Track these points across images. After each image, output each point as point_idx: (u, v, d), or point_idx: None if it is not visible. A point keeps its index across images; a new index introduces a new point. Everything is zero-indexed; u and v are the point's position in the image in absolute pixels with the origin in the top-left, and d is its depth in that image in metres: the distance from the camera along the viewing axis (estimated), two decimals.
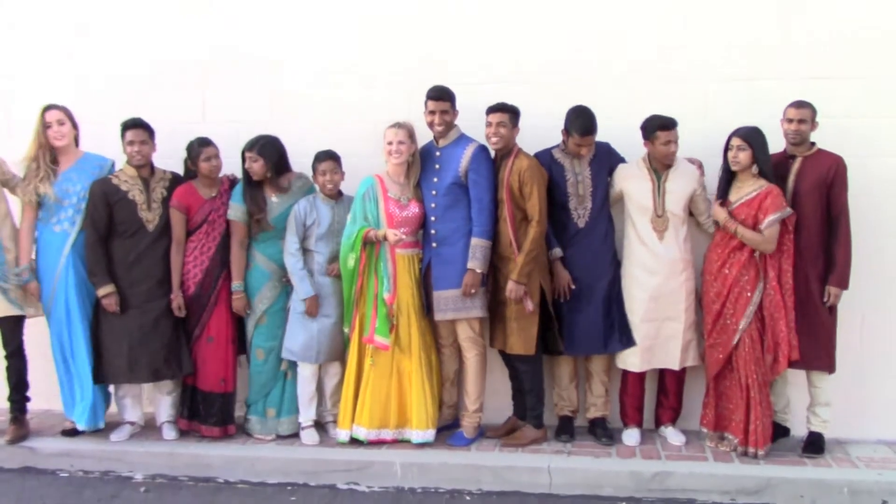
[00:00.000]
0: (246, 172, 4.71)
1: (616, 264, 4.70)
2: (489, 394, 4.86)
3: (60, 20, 5.36)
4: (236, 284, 4.74)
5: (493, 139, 4.54)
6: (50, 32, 5.38)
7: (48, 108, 4.71)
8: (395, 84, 5.04)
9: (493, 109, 4.54)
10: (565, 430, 4.79)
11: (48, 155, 4.71)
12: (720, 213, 4.41)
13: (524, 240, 4.51)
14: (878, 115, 4.68)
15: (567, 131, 4.59)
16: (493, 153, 4.65)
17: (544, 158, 4.67)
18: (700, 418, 4.68)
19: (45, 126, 4.68)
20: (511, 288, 4.47)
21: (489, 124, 4.54)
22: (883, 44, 4.67)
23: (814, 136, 4.48)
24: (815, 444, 4.54)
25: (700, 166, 4.64)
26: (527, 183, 4.48)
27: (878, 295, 4.73)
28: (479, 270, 4.50)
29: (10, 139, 4.94)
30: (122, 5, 5.32)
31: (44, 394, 4.96)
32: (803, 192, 4.41)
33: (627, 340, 4.64)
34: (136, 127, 4.73)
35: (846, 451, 4.61)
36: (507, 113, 4.52)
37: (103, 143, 4.88)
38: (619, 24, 4.90)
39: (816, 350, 4.44)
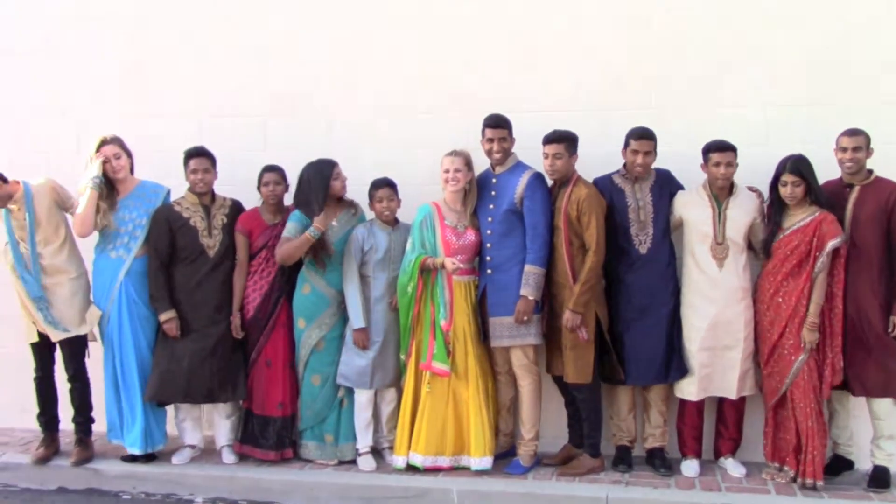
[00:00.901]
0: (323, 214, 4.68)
1: (678, 292, 4.67)
2: (545, 422, 4.84)
3: (130, 55, 5.52)
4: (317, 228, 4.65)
5: (550, 171, 4.56)
6: (120, 65, 5.54)
7: (103, 142, 4.79)
8: (452, 112, 5.08)
9: (548, 140, 4.56)
10: (623, 459, 4.74)
11: (106, 187, 4.78)
12: (810, 335, 4.34)
13: (580, 268, 4.51)
14: None
15: (625, 146, 4.60)
16: (549, 181, 4.67)
17: (604, 184, 4.67)
18: (763, 448, 4.61)
19: (102, 161, 4.76)
20: (568, 317, 4.46)
21: (546, 156, 4.56)
22: None
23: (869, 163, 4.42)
24: (879, 479, 4.43)
25: (760, 195, 4.60)
26: (585, 212, 4.48)
27: None
28: (531, 297, 4.50)
29: (78, 157, 5.00)
30: (182, 41, 5.48)
31: None
32: (863, 220, 4.35)
33: (686, 370, 4.59)
34: (200, 155, 4.84)
35: None
36: (563, 143, 4.53)
37: (168, 172, 5.00)
38: (679, 53, 4.93)
39: (880, 379, 4.35)
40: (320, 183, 4.67)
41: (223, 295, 4.85)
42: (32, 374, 4.94)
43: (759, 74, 4.82)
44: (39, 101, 5.59)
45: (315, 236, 4.60)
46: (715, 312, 4.51)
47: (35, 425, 5.03)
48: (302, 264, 4.82)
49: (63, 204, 4.85)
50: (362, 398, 4.82)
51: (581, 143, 4.62)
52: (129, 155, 4.88)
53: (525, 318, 4.51)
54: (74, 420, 4.98)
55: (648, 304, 4.60)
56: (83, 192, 4.73)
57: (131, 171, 4.92)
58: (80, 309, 4.85)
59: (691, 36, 4.91)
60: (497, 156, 4.63)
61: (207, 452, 5.06)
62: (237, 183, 5.01)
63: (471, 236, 4.68)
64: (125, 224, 4.83)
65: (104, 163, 4.75)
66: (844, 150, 4.36)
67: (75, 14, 5.56)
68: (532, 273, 4.50)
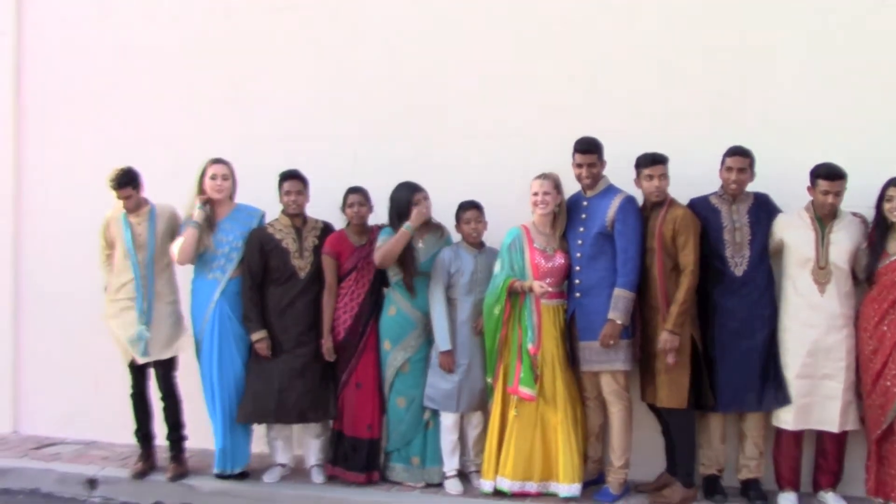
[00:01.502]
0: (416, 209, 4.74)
1: (776, 317, 4.52)
2: (637, 450, 4.73)
3: (227, 81, 5.72)
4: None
5: (656, 192, 4.50)
6: (217, 89, 5.73)
7: (215, 161, 4.95)
8: (541, 135, 5.07)
9: (652, 161, 4.49)
10: (716, 489, 4.60)
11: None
12: None
13: (673, 291, 4.42)
14: None
15: (721, 164, 4.54)
16: (641, 203, 4.61)
17: (701, 205, 4.59)
18: (864, 482, 4.41)
19: (209, 178, 4.91)
20: (665, 338, 4.37)
21: (649, 177, 4.50)
22: None
23: None
24: None
25: (864, 220, 4.43)
26: (682, 233, 4.41)
27: None
28: (619, 322, 4.43)
29: (176, 181, 5.14)
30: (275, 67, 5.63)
31: (202, 432, 5.14)
32: None
33: (784, 398, 4.44)
34: (293, 178, 4.94)
35: None
36: (665, 163, 4.49)
37: (259, 193, 5.10)
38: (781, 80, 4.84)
39: None
40: (405, 204, 4.73)
41: (313, 316, 4.91)
42: (129, 391, 5.10)
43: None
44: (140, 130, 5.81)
45: (409, 229, 4.65)
46: (815, 339, 4.36)
47: (133, 440, 5.19)
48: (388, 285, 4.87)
49: (176, 231, 5.01)
50: (448, 421, 4.82)
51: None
52: (235, 182, 5.00)
53: (611, 341, 4.43)
54: (168, 437, 5.11)
55: (744, 329, 4.48)
56: (190, 217, 4.90)
57: (231, 195, 5.05)
58: (168, 334, 4.99)
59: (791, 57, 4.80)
60: (587, 181, 4.61)
61: (297, 471, 5.12)
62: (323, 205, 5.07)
63: (560, 259, 4.65)
64: (222, 246, 4.95)
65: (211, 179, 4.90)
66: None
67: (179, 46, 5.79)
68: (622, 297, 4.43)
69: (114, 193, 4.91)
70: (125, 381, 5.13)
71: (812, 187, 4.40)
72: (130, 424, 5.16)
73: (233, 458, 4.96)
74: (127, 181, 4.90)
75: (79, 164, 5.87)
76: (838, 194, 4.33)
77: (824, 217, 4.40)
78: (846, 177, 4.33)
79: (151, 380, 5.11)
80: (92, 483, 5.13)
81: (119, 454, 5.51)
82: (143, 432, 5.13)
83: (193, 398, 5.08)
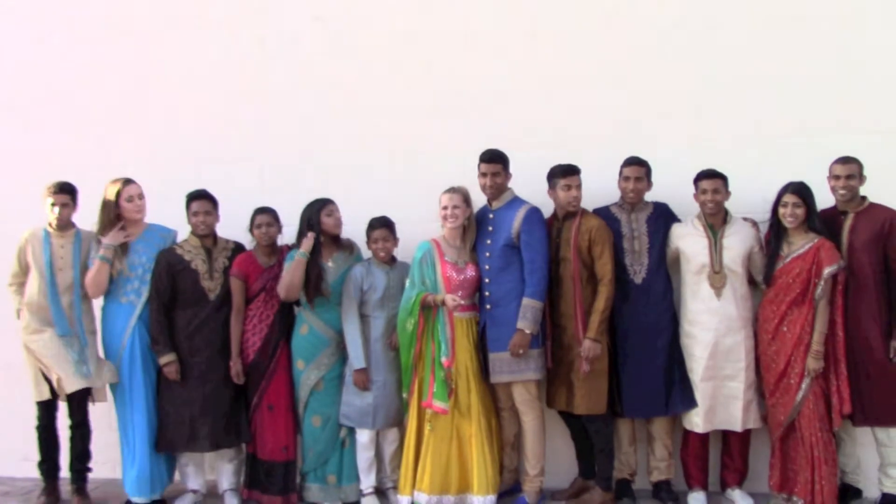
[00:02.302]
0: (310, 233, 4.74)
1: (675, 323, 4.67)
2: (551, 457, 4.81)
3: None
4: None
5: (573, 202, 4.60)
6: (120, 106, 5.62)
7: (128, 182, 4.84)
8: (451, 150, 5.13)
9: (569, 172, 4.59)
10: (625, 493, 4.71)
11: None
12: (815, 364, 4.35)
13: (588, 299, 4.54)
14: None
15: (619, 175, 4.67)
16: (551, 213, 4.73)
17: (602, 214, 4.71)
18: (768, 479, 4.58)
19: (125, 200, 4.80)
20: (589, 346, 4.46)
21: (567, 188, 4.59)
22: None
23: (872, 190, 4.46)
24: None
25: (755, 224, 4.63)
26: (598, 243, 4.53)
27: None
28: (528, 331, 4.50)
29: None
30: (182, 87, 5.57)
31: (110, 462, 5.02)
32: (858, 247, 4.38)
33: (690, 401, 4.57)
34: (202, 198, 4.87)
35: None
36: (580, 174, 4.61)
37: (164, 214, 5.01)
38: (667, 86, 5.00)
39: (882, 406, 4.35)
40: (313, 218, 4.74)
41: (224, 338, 4.83)
42: (35, 423, 4.91)
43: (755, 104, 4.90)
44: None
45: (303, 256, 4.65)
46: (714, 342, 4.51)
47: (36, 473, 5.00)
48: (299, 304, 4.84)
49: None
50: (364, 438, 4.80)
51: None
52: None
53: (521, 350, 4.50)
54: (74, 468, 4.94)
55: (645, 335, 4.61)
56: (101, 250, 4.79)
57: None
58: (96, 362, 4.84)
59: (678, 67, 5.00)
60: (491, 191, 4.67)
61: (210, 496, 5.02)
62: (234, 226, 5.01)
63: (471, 272, 4.70)
64: (135, 269, 4.84)
65: (127, 202, 4.81)
66: (837, 177, 4.41)
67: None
68: (530, 307, 4.50)
69: (49, 200, 4.77)
70: (26, 414, 4.94)
71: (696, 193, 4.58)
72: (32, 457, 4.97)
73: (159, 483, 4.86)
74: (69, 189, 4.82)
75: None
76: (717, 192, 4.50)
77: (715, 223, 4.58)
78: (724, 177, 4.52)
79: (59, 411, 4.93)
80: None
81: (20, 488, 5.31)
82: (49, 465, 4.95)
83: (100, 427, 4.96)
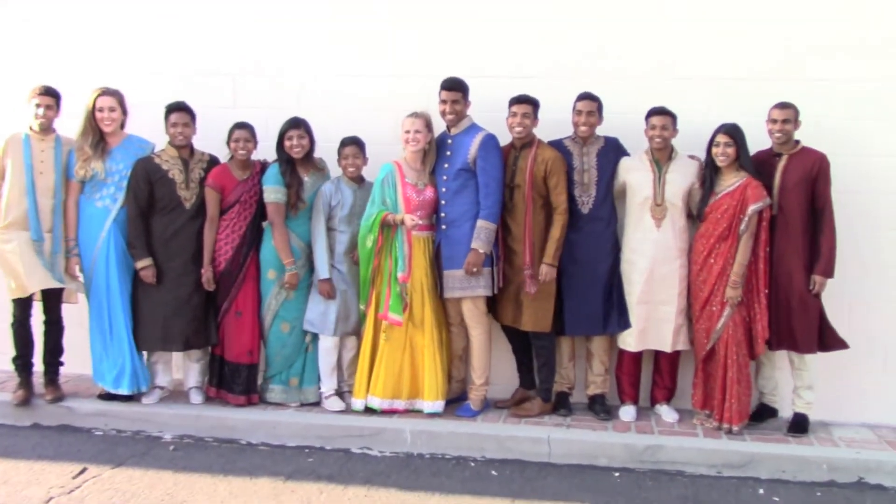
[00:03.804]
0: (286, 153, 5.00)
1: (617, 250, 5.00)
2: (496, 370, 5.18)
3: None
4: (290, 266, 5.00)
5: (518, 129, 4.84)
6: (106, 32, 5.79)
7: (102, 93, 5.03)
8: (416, 77, 5.36)
9: (517, 101, 4.85)
10: (563, 404, 5.09)
11: (94, 136, 5.03)
12: (732, 292, 4.67)
13: (539, 226, 4.83)
14: (874, 116, 5.00)
15: (573, 109, 4.92)
16: (504, 142, 4.97)
17: (556, 146, 4.96)
18: (691, 397, 4.98)
19: (96, 110, 5.00)
20: (545, 271, 4.79)
21: (514, 115, 4.85)
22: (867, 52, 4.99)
23: (810, 137, 4.77)
24: (799, 425, 4.82)
25: (700, 162, 4.91)
26: (553, 174, 4.80)
27: (864, 286, 5.02)
28: (481, 251, 4.79)
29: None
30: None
31: (80, 358, 5.28)
32: (789, 187, 4.70)
33: (625, 322, 4.94)
34: (180, 110, 5.07)
35: (829, 432, 4.88)
36: (531, 105, 4.85)
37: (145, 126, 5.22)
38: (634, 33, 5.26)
39: (799, 334, 4.72)
40: (280, 136, 5.00)
41: (198, 246, 5.07)
42: (10, 320, 5.15)
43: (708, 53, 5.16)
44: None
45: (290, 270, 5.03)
46: (650, 268, 4.86)
47: (9, 368, 5.26)
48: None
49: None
50: (328, 343, 5.12)
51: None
52: (125, 112, 5.10)
53: (475, 269, 4.80)
54: (47, 361, 5.22)
55: (588, 261, 4.93)
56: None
57: (122, 126, 5.15)
58: (62, 264, 5.07)
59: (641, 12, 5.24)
60: (450, 117, 4.92)
61: (176, 394, 5.35)
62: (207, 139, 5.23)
63: (430, 193, 4.98)
64: (112, 175, 5.04)
65: (98, 111, 4.97)
66: (774, 121, 4.72)
67: None
68: (484, 228, 4.80)
69: (34, 101, 4.94)
70: (2, 311, 5.21)
71: (646, 128, 4.87)
72: (7, 352, 5.25)
73: (144, 379, 5.13)
74: (53, 93, 4.98)
75: None
76: (665, 128, 4.80)
77: (661, 158, 4.89)
78: (674, 115, 4.82)
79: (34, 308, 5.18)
80: None
81: None
82: (23, 360, 5.20)
83: (71, 325, 5.27)
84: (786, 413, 4.97)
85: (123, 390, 5.08)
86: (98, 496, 4.15)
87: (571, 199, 4.93)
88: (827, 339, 4.75)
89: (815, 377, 4.85)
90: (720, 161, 4.70)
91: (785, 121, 4.68)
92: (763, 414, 4.97)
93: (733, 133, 4.66)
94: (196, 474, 4.43)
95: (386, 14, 5.48)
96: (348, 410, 5.08)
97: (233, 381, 5.14)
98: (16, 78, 5.60)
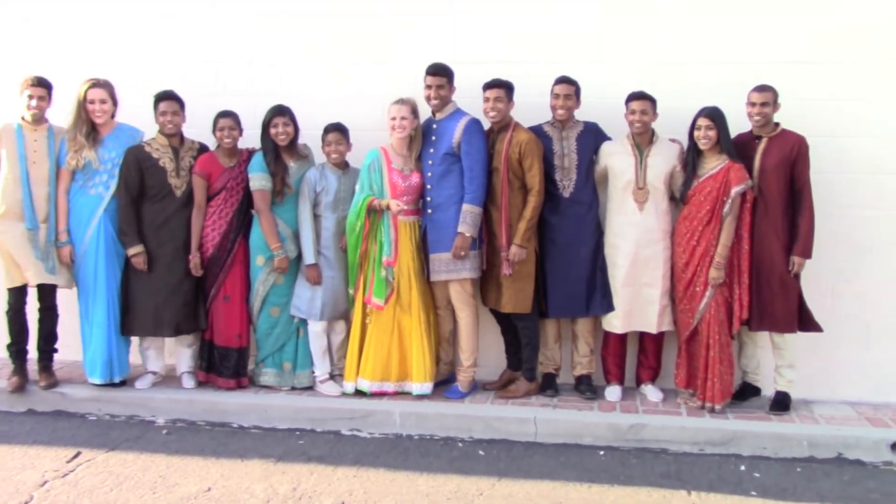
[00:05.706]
0: (271, 140, 5.05)
1: (599, 233, 5.07)
2: (484, 351, 5.27)
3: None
4: (278, 251, 5.05)
5: (491, 113, 4.90)
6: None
7: (93, 85, 5.06)
8: (401, 64, 5.42)
9: (489, 85, 4.91)
10: (549, 385, 5.18)
11: (86, 127, 5.06)
12: (715, 273, 4.74)
13: (516, 208, 4.89)
14: (853, 98, 5.05)
15: (551, 93, 4.96)
16: (488, 126, 5.02)
17: (535, 132, 5.01)
18: (674, 377, 5.07)
19: (87, 102, 5.04)
20: (515, 251, 4.85)
21: (487, 99, 4.90)
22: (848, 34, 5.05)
23: (790, 118, 4.81)
24: (780, 403, 4.91)
25: (681, 145, 4.97)
26: (528, 156, 4.85)
27: (845, 266, 5.10)
28: (468, 234, 4.86)
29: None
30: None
31: (74, 346, 5.31)
32: (769, 169, 4.76)
33: (608, 305, 5.01)
34: (169, 98, 5.12)
35: (811, 409, 4.97)
36: (503, 88, 4.89)
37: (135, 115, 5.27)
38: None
39: (780, 314, 4.80)
40: (265, 125, 5.05)
41: (188, 233, 5.14)
42: (5, 308, 5.21)
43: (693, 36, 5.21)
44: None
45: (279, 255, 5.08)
46: (635, 251, 4.93)
47: (4, 354, 5.33)
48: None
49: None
50: (317, 328, 5.19)
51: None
52: (115, 103, 5.13)
53: (462, 253, 4.87)
54: (41, 348, 5.28)
55: (570, 244, 5.00)
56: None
57: (112, 116, 5.18)
58: (53, 254, 5.11)
59: None
60: (435, 102, 4.98)
61: (168, 378, 5.42)
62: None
63: (416, 179, 5.04)
64: (104, 163, 5.09)
65: (89, 103, 5.01)
66: (753, 104, 4.77)
67: None
68: (469, 212, 4.86)
69: (27, 92, 4.98)
70: None
71: (626, 113, 4.92)
72: (1, 339, 5.31)
73: (119, 367, 5.19)
74: (46, 83, 5.02)
75: None
76: (644, 112, 4.85)
77: (642, 142, 4.94)
78: (654, 99, 4.87)
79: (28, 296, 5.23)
80: None
81: None
82: (18, 348, 5.25)
83: (66, 311, 5.30)
84: (769, 391, 5.05)
85: (96, 379, 5.14)
86: (92, 479, 4.22)
87: (553, 183, 4.99)
88: (804, 320, 4.83)
89: (797, 356, 4.94)
90: (702, 144, 4.76)
91: (763, 104, 4.74)
92: (746, 393, 5.06)
93: (714, 116, 4.71)
94: (188, 457, 4.49)
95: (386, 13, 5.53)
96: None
97: (222, 364, 5.22)
98: (15, 78, 5.51)
